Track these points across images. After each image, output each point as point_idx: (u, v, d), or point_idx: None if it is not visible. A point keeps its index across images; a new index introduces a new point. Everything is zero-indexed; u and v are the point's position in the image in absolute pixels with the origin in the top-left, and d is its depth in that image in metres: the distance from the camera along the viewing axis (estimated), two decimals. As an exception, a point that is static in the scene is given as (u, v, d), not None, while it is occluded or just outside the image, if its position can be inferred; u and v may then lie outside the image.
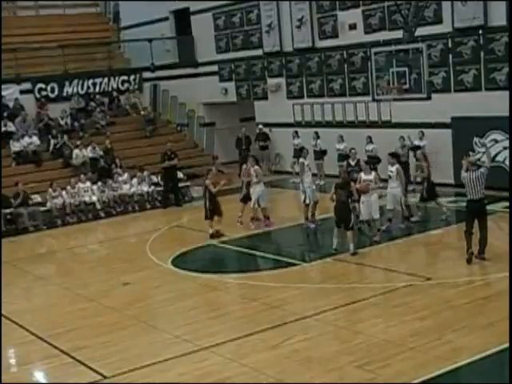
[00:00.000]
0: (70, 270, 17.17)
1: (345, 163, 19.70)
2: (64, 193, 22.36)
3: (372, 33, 23.63)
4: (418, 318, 11.30)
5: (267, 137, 27.68)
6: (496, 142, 20.53)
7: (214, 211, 17.94)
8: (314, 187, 18.58)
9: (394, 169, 17.09)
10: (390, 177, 17.15)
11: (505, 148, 20.17)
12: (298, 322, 11.67)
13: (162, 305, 13.62)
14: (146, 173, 23.86)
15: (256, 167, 18.87)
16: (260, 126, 27.70)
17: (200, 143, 28.50)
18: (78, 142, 24.82)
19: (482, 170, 14.18)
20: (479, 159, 19.04)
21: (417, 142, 21.55)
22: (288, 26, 26.53)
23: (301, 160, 19.62)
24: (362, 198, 16.28)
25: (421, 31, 20.15)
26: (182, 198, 23.72)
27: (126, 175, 23.67)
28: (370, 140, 22.64)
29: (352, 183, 16.07)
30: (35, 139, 24.68)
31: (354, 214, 16.15)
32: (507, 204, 17.88)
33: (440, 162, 21.55)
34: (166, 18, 31.95)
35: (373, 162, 22.52)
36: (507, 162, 20.08)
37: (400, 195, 17.00)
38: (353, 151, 19.27)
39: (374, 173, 16.84)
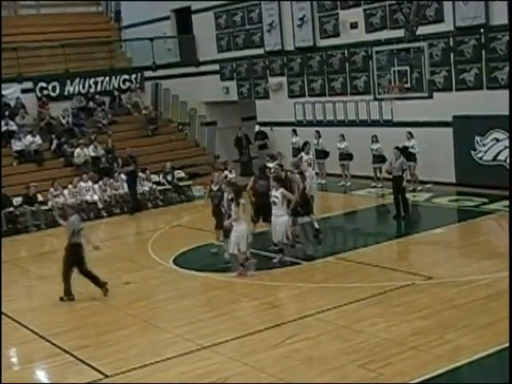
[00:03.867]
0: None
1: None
2: (65, 192, 22.38)
3: (373, 32, 23.63)
4: (419, 317, 11.29)
5: (265, 135, 27.72)
6: (497, 140, 20.52)
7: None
8: (310, 181, 18.66)
9: (278, 193, 14.80)
10: (274, 203, 14.88)
11: (506, 147, 20.15)
12: (299, 321, 11.66)
13: (164, 304, 13.64)
14: (148, 173, 23.92)
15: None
16: (256, 127, 27.77)
17: (201, 142, 28.51)
18: (80, 141, 24.86)
19: None
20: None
21: (406, 143, 21.47)
22: (289, 25, 26.53)
23: (300, 154, 19.72)
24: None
25: (422, 30, 20.17)
26: (138, 207, 22.95)
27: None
28: (375, 139, 22.67)
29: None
30: (37, 138, 24.70)
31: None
32: (508, 203, 17.87)
33: (441, 161, 21.59)
34: (168, 17, 31.94)
35: (378, 160, 22.66)
36: (508, 161, 20.06)
37: (287, 224, 14.99)
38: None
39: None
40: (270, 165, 18.04)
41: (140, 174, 23.73)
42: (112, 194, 23.10)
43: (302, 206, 15.79)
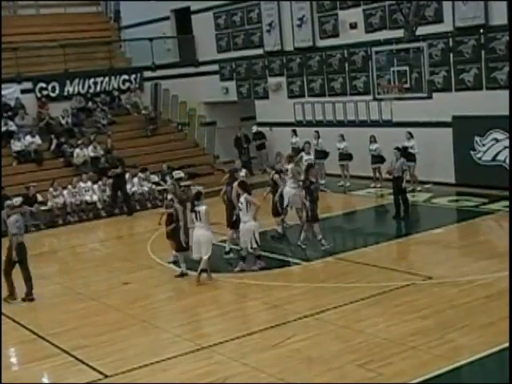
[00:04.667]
0: (70, 269, 17.18)
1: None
2: (65, 192, 22.39)
3: (373, 32, 23.62)
4: (419, 317, 11.30)
5: (263, 136, 27.73)
6: (497, 141, 20.51)
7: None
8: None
9: (242, 199, 14.51)
10: (240, 209, 14.65)
11: (505, 147, 20.15)
12: (299, 321, 11.66)
13: (163, 304, 13.64)
14: (148, 173, 23.90)
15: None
16: (253, 129, 27.78)
17: (201, 142, 28.49)
18: (79, 142, 24.85)
19: None
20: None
21: (406, 144, 21.43)
22: (289, 25, 26.52)
23: (300, 154, 19.73)
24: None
25: (422, 30, 20.12)
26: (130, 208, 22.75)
27: (127, 175, 23.62)
28: (373, 139, 22.67)
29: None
30: (36, 138, 24.70)
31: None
32: (507, 203, 17.87)
33: (440, 161, 21.59)
34: (167, 17, 31.93)
35: (377, 161, 22.65)
36: (508, 161, 20.06)
37: (254, 229, 14.57)
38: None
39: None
40: (288, 166, 17.86)
41: (140, 174, 23.73)
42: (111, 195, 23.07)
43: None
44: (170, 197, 15.59)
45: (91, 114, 27.14)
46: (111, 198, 22.89)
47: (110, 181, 23.08)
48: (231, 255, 15.95)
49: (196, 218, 14.14)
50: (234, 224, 15.72)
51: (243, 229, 14.66)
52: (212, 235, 14.37)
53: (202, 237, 14.07)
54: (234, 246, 16.02)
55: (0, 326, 12.32)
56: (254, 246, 14.60)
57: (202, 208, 14.09)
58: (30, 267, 17.15)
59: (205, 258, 14.10)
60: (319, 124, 25.76)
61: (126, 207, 22.77)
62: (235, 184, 15.52)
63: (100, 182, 23.19)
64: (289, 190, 17.34)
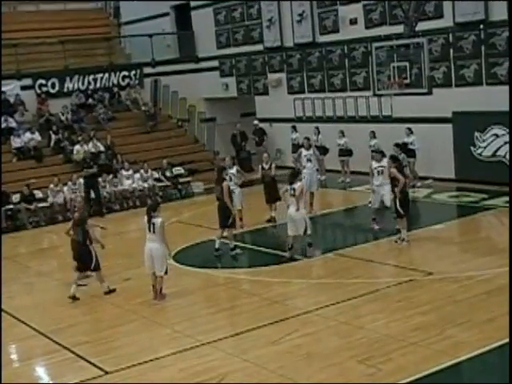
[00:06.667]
0: (70, 266, 17.12)
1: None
2: (65, 188, 22.37)
3: (373, 27, 23.58)
4: (419, 312, 11.30)
5: (263, 132, 27.70)
6: (497, 136, 20.51)
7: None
8: (310, 178, 18.72)
9: (296, 187, 14.77)
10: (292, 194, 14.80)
11: (505, 143, 20.14)
12: (300, 317, 11.67)
13: (164, 300, 13.61)
14: (149, 171, 23.88)
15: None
16: (255, 122, 27.76)
17: (201, 138, 28.52)
18: (79, 138, 24.84)
19: None
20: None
21: (406, 139, 21.40)
22: (289, 21, 26.50)
23: (300, 150, 19.78)
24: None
25: (422, 26, 20.15)
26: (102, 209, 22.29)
27: (130, 171, 23.63)
28: (373, 135, 22.64)
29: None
30: (36, 135, 24.69)
31: None
32: (507, 199, 17.85)
33: (440, 157, 21.58)
34: (167, 13, 31.93)
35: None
36: (508, 157, 20.05)
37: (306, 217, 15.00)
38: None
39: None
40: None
41: (142, 171, 23.73)
42: (111, 191, 23.08)
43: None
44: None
45: (91, 111, 27.13)
46: (84, 198, 21.38)
47: (107, 178, 23.06)
48: (237, 251, 15.93)
49: (149, 229, 13.15)
50: (226, 223, 15.70)
51: (295, 217, 14.67)
52: (165, 250, 13.28)
53: (154, 251, 13.10)
54: (236, 243, 16.06)
55: (0, 323, 12.33)
56: (309, 232, 14.78)
57: (158, 220, 13.19)
58: (31, 264, 17.25)
59: (159, 274, 13.20)
60: (319, 120, 25.76)
61: (97, 209, 22.13)
62: (225, 183, 15.54)
63: (100, 179, 23.15)
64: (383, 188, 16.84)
